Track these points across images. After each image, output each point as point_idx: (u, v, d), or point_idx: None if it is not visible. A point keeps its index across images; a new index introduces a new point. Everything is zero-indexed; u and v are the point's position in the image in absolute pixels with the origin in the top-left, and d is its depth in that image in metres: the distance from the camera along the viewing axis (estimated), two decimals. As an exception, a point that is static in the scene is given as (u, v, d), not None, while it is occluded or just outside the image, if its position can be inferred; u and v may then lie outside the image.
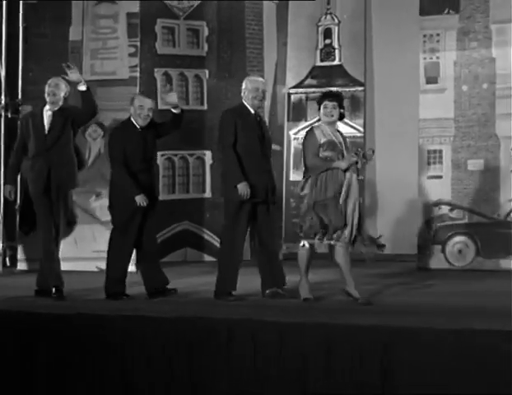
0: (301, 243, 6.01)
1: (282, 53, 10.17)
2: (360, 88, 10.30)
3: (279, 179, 9.70)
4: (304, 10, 10.54)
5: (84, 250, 8.38)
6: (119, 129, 6.59)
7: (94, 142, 8.53)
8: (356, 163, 5.93)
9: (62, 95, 6.53)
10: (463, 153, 8.51)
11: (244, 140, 6.31)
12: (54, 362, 4.98)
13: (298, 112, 10.54)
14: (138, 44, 8.62)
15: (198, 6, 9.65)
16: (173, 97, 6.59)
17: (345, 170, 5.92)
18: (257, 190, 6.25)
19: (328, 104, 6.04)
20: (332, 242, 5.88)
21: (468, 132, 8.43)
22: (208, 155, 9.64)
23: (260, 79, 6.78)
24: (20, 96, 8.66)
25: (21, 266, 8.62)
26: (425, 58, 8.64)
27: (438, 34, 8.64)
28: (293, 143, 10.46)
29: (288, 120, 10.53)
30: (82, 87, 6.46)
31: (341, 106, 6.13)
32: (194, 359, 4.65)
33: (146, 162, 6.48)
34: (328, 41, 10.57)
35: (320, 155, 5.95)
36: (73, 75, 6.46)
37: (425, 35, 8.67)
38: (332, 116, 6.03)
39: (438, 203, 8.54)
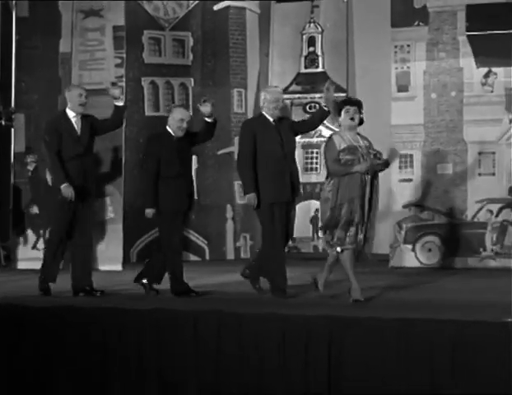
0: (339, 250, 6.15)
1: (264, 61, 10.59)
2: (343, 94, 10.65)
3: None
4: (288, 19, 11.01)
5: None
6: (155, 139, 6.90)
7: None
8: (378, 164, 6.21)
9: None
10: (433, 157, 8.95)
11: (266, 147, 6.56)
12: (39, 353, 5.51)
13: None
14: (124, 55, 9.01)
15: (183, 17, 10.07)
16: (207, 107, 6.79)
17: (366, 173, 6.16)
18: (283, 191, 6.55)
19: (350, 108, 6.26)
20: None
21: (437, 138, 8.86)
22: (194, 160, 10.04)
23: (278, 89, 7.01)
24: (13, 105, 9.08)
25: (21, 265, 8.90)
26: (396, 68, 9.08)
27: (409, 45, 9.07)
28: None
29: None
30: (120, 103, 6.85)
31: (360, 111, 6.34)
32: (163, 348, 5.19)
33: (183, 169, 6.76)
34: (311, 49, 11.05)
35: (341, 159, 6.17)
36: (116, 91, 6.84)
37: (396, 46, 9.09)
38: (353, 120, 6.24)
39: (408, 205, 9.01)
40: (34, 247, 8.92)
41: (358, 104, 6.33)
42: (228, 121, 10.26)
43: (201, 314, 5.26)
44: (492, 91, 8.74)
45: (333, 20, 10.88)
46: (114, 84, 6.97)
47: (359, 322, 4.94)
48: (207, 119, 6.84)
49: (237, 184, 10.22)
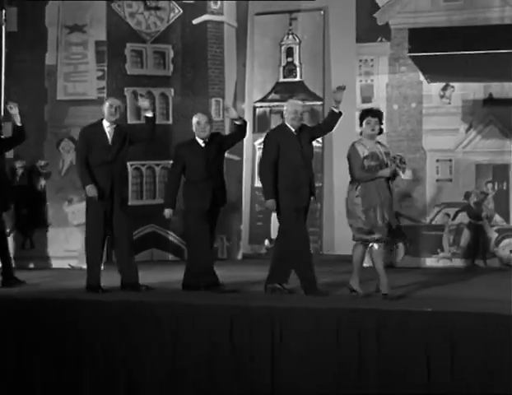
0: (376, 247, 6.72)
1: (241, 72, 11.14)
2: (319, 102, 11.47)
3: (238, 186, 10.90)
4: (268, 31, 11.73)
5: (58, 250, 9.49)
6: (182, 145, 7.52)
7: (67, 155, 9.61)
8: (398, 168, 6.83)
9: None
10: (394, 164, 9.64)
11: (288, 156, 7.06)
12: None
13: (262, 124, 11.68)
14: (105, 68, 9.67)
15: (164, 31, 10.64)
16: (232, 112, 7.48)
17: (388, 178, 6.75)
18: (303, 197, 7.09)
19: (372, 119, 6.86)
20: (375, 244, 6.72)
21: (399, 146, 9.50)
22: None
23: (299, 102, 7.52)
24: (2, 114, 9.68)
25: (40, 264, 9.42)
26: (361, 81, 9.75)
27: (372, 60, 9.73)
28: (258, 153, 11.56)
29: (253, 131, 11.63)
30: (149, 114, 7.45)
31: (381, 122, 6.97)
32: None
33: (209, 172, 7.28)
34: (290, 59, 11.73)
35: (366, 165, 6.75)
36: (145, 103, 7.51)
37: (361, 60, 9.77)
38: (374, 130, 6.86)
39: None
40: (22, 247, 9.60)
41: (379, 116, 6.95)
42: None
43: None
44: (450, 103, 9.41)
45: (310, 32, 11.57)
46: (142, 96, 7.60)
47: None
48: (235, 122, 7.43)
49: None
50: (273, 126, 11.58)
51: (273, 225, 11.76)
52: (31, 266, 9.38)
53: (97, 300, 6.45)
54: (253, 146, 11.77)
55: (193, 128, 7.37)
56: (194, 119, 7.41)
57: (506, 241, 9.28)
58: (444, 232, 9.41)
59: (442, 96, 9.46)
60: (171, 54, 10.70)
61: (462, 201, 9.43)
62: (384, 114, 9.50)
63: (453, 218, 9.40)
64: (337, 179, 10.83)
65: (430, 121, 9.52)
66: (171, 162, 7.77)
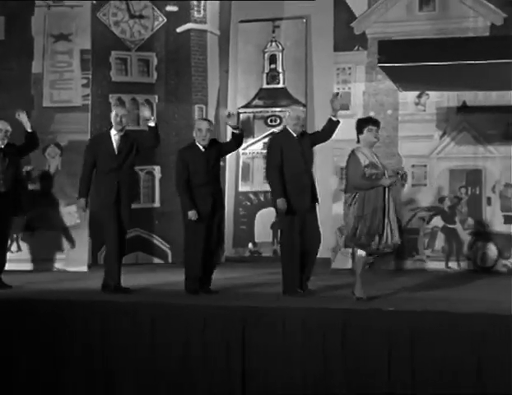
0: (358, 252, 6.82)
1: (224, 79, 11.49)
2: (303, 108, 11.59)
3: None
4: (252, 38, 12.01)
5: (44, 253, 9.76)
6: (183, 151, 7.66)
7: (52, 160, 9.93)
8: (399, 182, 7.09)
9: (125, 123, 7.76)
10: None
11: (290, 160, 7.24)
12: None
13: (246, 129, 11.66)
14: (90, 76, 9.98)
15: (148, 39, 10.97)
16: (233, 120, 7.56)
17: (388, 187, 6.73)
18: (304, 201, 7.25)
19: (373, 128, 6.87)
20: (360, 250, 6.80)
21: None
22: (157, 170, 10.97)
23: (300, 108, 7.86)
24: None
25: (26, 266, 9.69)
26: (338, 88, 10.04)
27: (349, 68, 10.08)
28: (242, 158, 11.99)
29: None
30: (152, 123, 7.70)
31: (378, 131, 6.98)
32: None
33: (209, 177, 7.45)
34: (273, 66, 12.02)
35: (367, 173, 6.73)
36: (146, 112, 7.80)
37: (338, 69, 10.11)
38: (376, 138, 6.94)
39: None
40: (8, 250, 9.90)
41: (378, 125, 7.01)
42: (190, 134, 10.65)
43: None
44: (425, 110, 9.77)
45: (293, 39, 11.85)
46: (143, 105, 7.84)
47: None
48: (234, 131, 7.58)
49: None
50: (257, 131, 12.17)
51: (257, 229, 12.18)
52: (18, 268, 9.63)
53: (78, 301, 6.75)
54: (237, 151, 12.02)
55: (194, 134, 7.56)
56: (196, 125, 7.64)
57: (478, 244, 9.62)
58: (419, 235, 9.74)
59: (417, 104, 9.81)
60: (155, 62, 11.00)
61: (436, 205, 9.75)
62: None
63: (428, 222, 9.71)
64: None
65: (406, 127, 9.86)
66: (175, 167, 7.94)
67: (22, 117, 8.07)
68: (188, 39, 11.17)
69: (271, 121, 11.95)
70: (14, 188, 8.10)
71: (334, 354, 5.76)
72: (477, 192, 9.66)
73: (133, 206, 10.54)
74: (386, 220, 6.73)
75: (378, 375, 5.70)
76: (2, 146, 8.07)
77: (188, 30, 11.16)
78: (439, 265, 9.69)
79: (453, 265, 9.68)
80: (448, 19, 9.68)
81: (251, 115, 12.13)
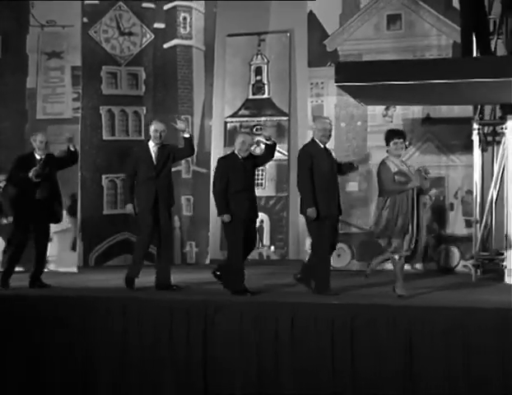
0: (396, 257, 7.64)
1: (209, 92, 12.27)
2: (285, 118, 12.54)
3: (206, 197, 11.87)
4: (238, 51, 12.82)
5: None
6: (223, 160, 8.29)
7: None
8: (425, 179, 7.67)
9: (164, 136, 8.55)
10: (342, 177, 10.61)
11: (319, 170, 7.82)
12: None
13: (233, 138, 12.24)
14: (80, 90, 10.89)
15: (137, 54, 11.81)
16: (182, 124, 8.46)
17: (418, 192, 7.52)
18: (332, 207, 7.93)
19: (398, 141, 7.70)
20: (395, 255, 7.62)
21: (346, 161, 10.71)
22: None
23: (327, 120, 8.28)
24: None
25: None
26: (312, 101, 10.94)
27: (322, 83, 10.90)
28: None
29: (224, 146, 12.67)
30: (186, 135, 8.54)
31: (405, 141, 7.81)
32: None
33: (247, 184, 8.11)
34: (258, 78, 12.80)
35: (396, 180, 7.50)
36: (182, 124, 8.65)
37: (312, 83, 10.96)
38: (401, 149, 7.75)
39: None
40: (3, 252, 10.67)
41: (404, 137, 7.86)
42: (176, 143, 11.49)
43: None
44: (392, 121, 10.58)
45: (277, 52, 12.65)
46: (179, 118, 8.67)
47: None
48: (267, 142, 8.35)
49: (184, 198, 11.96)
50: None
51: None
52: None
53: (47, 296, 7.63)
54: None
55: (236, 146, 8.23)
56: (239, 139, 8.31)
57: (442, 247, 10.46)
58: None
59: (385, 115, 10.66)
60: (143, 76, 11.86)
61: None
62: (333, 132, 10.92)
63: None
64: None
65: (374, 138, 10.58)
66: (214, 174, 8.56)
67: (180, 124, 8.78)
68: (175, 54, 12.00)
69: (256, 130, 12.64)
70: (51, 197, 8.86)
71: (283, 345, 6.66)
72: (441, 199, 10.48)
73: (123, 211, 11.57)
74: (411, 225, 7.53)
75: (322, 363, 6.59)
76: (43, 157, 8.84)
77: (175, 46, 11.99)
78: (406, 266, 10.47)
79: (418, 266, 10.49)
80: (413, 37, 10.54)
81: (238, 124, 12.88)
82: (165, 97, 11.96)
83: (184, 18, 12.07)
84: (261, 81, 12.78)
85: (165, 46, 12.01)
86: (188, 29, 12.09)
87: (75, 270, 10.60)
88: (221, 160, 8.37)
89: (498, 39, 9.45)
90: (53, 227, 10.04)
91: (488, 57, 8.56)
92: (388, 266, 10.20)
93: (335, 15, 10.90)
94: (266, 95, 12.73)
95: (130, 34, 11.82)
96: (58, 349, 7.24)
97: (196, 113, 12.12)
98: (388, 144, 7.78)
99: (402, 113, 10.61)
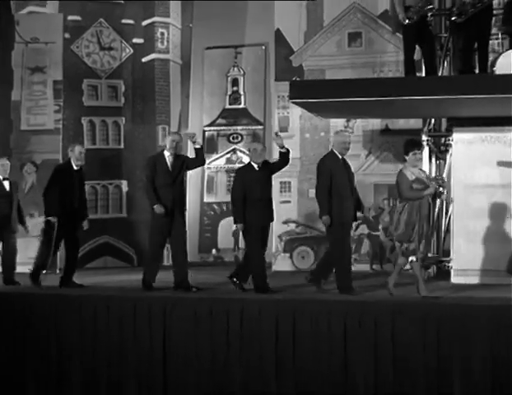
0: (412, 259, 8.17)
1: (185, 103, 13.08)
2: (260, 127, 13.39)
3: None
4: (216, 63, 13.67)
5: (19, 257, 11.06)
6: (240, 171, 8.95)
7: (29, 176, 11.66)
8: (440, 186, 8.33)
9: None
10: (306, 184, 11.58)
11: (337, 179, 8.41)
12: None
13: (211, 146, 13.55)
14: (61, 103, 11.76)
15: (117, 68, 12.65)
16: (279, 140, 8.93)
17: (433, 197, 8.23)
18: (347, 216, 8.52)
19: (417, 152, 8.31)
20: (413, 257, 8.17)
21: (310, 168, 11.26)
22: (125, 184, 12.63)
23: (347, 133, 8.96)
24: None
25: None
26: (279, 113, 11.82)
27: (288, 96, 11.70)
28: (206, 172, 13.55)
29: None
30: (197, 146, 9.23)
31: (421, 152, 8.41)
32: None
33: (264, 193, 8.70)
34: (235, 88, 13.62)
35: (414, 187, 8.11)
36: (194, 138, 9.30)
37: (279, 96, 11.80)
38: (419, 160, 8.42)
39: (287, 221, 11.72)
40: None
41: (422, 148, 8.56)
42: (154, 152, 12.16)
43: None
44: (353, 132, 11.37)
45: (253, 64, 13.50)
46: (189, 134, 9.45)
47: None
48: (281, 150, 8.91)
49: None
50: (220, 148, 13.65)
51: (220, 236, 13.70)
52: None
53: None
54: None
55: (250, 154, 8.94)
56: (252, 147, 9.02)
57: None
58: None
59: (346, 127, 11.52)
60: (123, 88, 12.68)
61: (362, 215, 11.40)
62: (298, 142, 11.84)
63: (355, 229, 11.20)
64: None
65: None
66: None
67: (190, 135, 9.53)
68: (153, 67, 12.82)
69: (233, 138, 13.57)
70: (82, 204, 9.54)
71: (233, 339, 7.62)
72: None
73: (103, 216, 12.61)
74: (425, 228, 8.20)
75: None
76: (77, 168, 9.45)
77: (153, 60, 12.82)
78: (365, 267, 11.38)
79: (376, 267, 11.41)
80: (373, 53, 11.45)
81: (215, 133, 13.69)
82: (143, 108, 12.74)
83: (162, 33, 12.91)
84: (237, 91, 13.58)
85: (144, 60, 12.83)
86: (165, 44, 12.92)
87: (57, 271, 11.41)
88: (238, 171, 9.07)
89: (446, 57, 10.33)
90: (33, 231, 10.91)
91: (431, 77, 9.45)
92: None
93: (300, 32, 11.79)
94: (242, 105, 13.53)
95: (110, 48, 12.65)
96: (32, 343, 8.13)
97: (173, 123, 12.91)
98: (406, 154, 8.37)
99: (363, 125, 11.47)
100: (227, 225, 13.42)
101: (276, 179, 11.24)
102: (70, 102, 12.26)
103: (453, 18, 9.41)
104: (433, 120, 10.47)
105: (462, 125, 9.87)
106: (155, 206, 8.99)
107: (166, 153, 9.21)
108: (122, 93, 12.74)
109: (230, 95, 13.61)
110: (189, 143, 12.57)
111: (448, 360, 7.27)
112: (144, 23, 12.89)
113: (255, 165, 8.79)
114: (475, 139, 9.70)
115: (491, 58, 9.66)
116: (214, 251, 13.58)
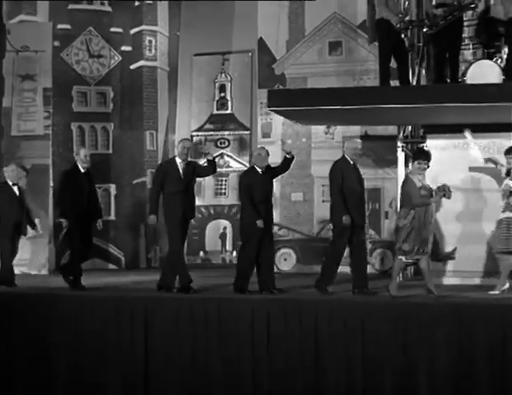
0: (399, 258, 8.55)
1: (172, 109, 13.53)
2: (247, 132, 13.82)
3: None
4: (204, 70, 14.13)
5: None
6: (246, 174, 9.20)
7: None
8: (444, 196, 8.49)
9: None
10: (288, 188, 12.10)
11: (349, 184, 8.78)
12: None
13: (199, 151, 13.62)
14: (51, 109, 12.22)
15: (106, 75, 13.13)
16: (287, 146, 9.49)
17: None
18: (359, 218, 8.84)
19: (423, 162, 8.55)
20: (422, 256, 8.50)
21: (292, 173, 11.71)
22: (113, 188, 13.05)
23: (358, 141, 9.38)
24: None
25: None
26: (261, 119, 12.31)
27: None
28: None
29: (191, 157, 13.87)
30: (211, 157, 9.53)
31: (428, 163, 8.61)
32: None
33: (265, 195, 8.97)
34: (222, 94, 14.06)
35: (421, 194, 8.41)
36: (207, 150, 9.89)
37: (261, 103, 12.24)
38: (424, 170, 8.61)
39: None
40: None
41: (429, 159, 8.71)
42: (142, 156, 13.22)
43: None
44: (333, 138, 11.97)
45: (240, 71, 13.94)
46: (204, 147, 10.01)
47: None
48: (286, 155, 9.29)
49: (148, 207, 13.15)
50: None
51: (207, 239, 14.11)
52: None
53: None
54: None
55: (254, 159, 9.26)
56: (256, 152, 9.32)
57: (378, 251, 11.82)
58: (328, 243, 11.78)
59: (326, 133, 12.03)
60: (111, 94, 13.15)
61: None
62: (279, 148, 12.14)
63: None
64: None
65: (317, 153, 12.05)
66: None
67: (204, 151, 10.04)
68: (141, 74, 13.30)
69: (220, 143, 13.99)
70: (94, 204, 9.76)
71: (211, 336, 8.10)
72: (377, 207, 11.84)
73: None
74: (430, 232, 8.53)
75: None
76: (84, 171, 9.62)
77: (141, 67, 13.29)
78: (344, 269, 11.70)
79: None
80: (353, 62, 11.96)
81: (203, 138, 14.10)
82: (131, 114, 13.21)
83: (150, 41, 13.39)
84: (225, 97, 14.02)
85: (132, 67, 13.32)
86: (153, 51, 13.39)
87: (46, 272, 11.89)
88: (242, 175, 9.45)
89: (420, 68, 10.77)
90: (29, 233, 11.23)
91: (406, 86, 9.91)
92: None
93: (282, 41, 12.30)
94: (229, 111, 13.99)
95: (99, 56, 13.13)
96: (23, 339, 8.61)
97: (160, 128, 13.39)
98: (413, 161, 8.77)
99: (343, 131, 11.95)
100: (214, 228, 13.95)
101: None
102: (60, 108, 12.72)
103: (425, 30, 9.86)
104: (409, 127, 10.86)
105: (435, 132, 10.28)
106: (150, 217, 9.26)
107: (178, 160, 9.33)
108: (110, 99, 13.19)
109: (217, 101, 14.02)
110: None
111: (415, 361, 7.68)
112: (132, 31, 13.36)
113: (259, 170, 9.09)
114: (447, 145, 10.15)
115: (463, 67, 10.09)
116: (202, 253, 13.97)
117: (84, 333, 8.47)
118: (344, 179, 8.81)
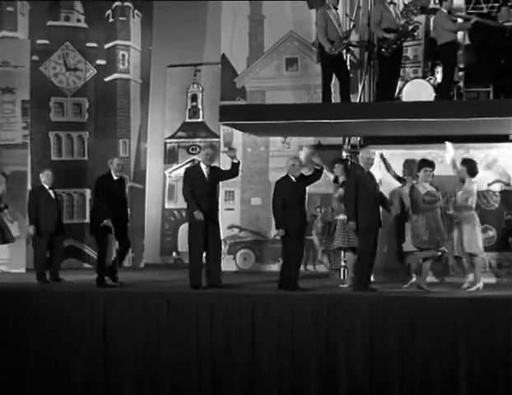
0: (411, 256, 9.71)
1: (144, 119, 14.46)
2: (217, 139, 14.41)
3: (141, 209, 14.07)
4: (177, 80, 15.04)
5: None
6: (280, 182, 9.89)
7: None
8: (447, 201, 10.00)
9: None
10: (248, 193, 13.14)
11: (363, 189, 9.47)
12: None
13: (172, 157, 14.91)
14: (29, 120, 13.29)
15: (81, 87, 14.15)
16: (232, 153, 10.01)
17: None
18: (375, 222, 9.52)
19: (428, 169, 9.62)
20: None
21: (251, 179, 12.95)
22: (88, 192, 13.94)
23: (372, 151, 9.99)
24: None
25: None
26: (224, 130, 13.32)
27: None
28: (168, 180, 14.86)
29: (164, 163, 14.89)
30: (235, 160, 10.14)
31: (433, 170, 9.65)
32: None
33: (299, 201, 9.69)
34: (194, 103, 14.96)
35: (426, 199, 9.42)
36: (232, 153, 10.09)
37: None
38: (430, 177, 9.64)
39: (231, 226, 13.23)
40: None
41: (433, 167, 9.76)
42: None
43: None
44: (289, 147, 13.03)
45: (210, 81, 14.77)
46: (230, 148, 10.54)
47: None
48: (316, 167, 10.00)
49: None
50: (180, 158, 14.92)
51: (180, 240, 15.02)
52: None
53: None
54: (164, 174, 14.99)
55: (288, 168, 9.91)
56: (290, 162, 9.94)
57: (330, 251, 12.85)
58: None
59: (283, 142, 13.10)
60: (87, 105, 14.14)
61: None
62: (240, 156, 13.10)
63: None
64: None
65: (275, 160, 13.04)
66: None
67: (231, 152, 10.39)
68: (115, 86, 14.26)
69: (192, 150, 14.87)
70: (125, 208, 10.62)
71: (204, 333, 9.25)
72: (329, 211, 12.84)
73: (69, 221, 13.79)
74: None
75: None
76: (117, 178, 10.50)
77: (115, 79, 14.27)
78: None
79: (310, 267, 12.98)
80: (308, 77, 13.04)
81: (176, 145, 15.04)
82: (105, 123, 14.18)
83: (123, 55, 14.37)
84: (196, 106, 14.93)
85: (106, 80, 14.29)
86: (126, 64, 14.36)
87: (23, 271, 12.96)
88: (277, 183, 10.07)
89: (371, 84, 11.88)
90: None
91: (347, 103, 11.07)
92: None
93: (243, 57, 13.41)
94: (200, 119, 14.90)
95: (75, 69, 14.14)
96: None
97: (133, 137, 14.36)
98: (419, 170, 9.71)
99: (298, 141, 13.01)
100: (186, 230, 14.45)
101: (221, 189, 12.89)
102: (38, 118, 13.77)
103: (383, 50, 10.91)
104: (354, 138, 11.98)
105: (376, 143, 11.40)
106: (195, 212, 9.83)
107: (202, 165, 10.08)
108: (86, 109, 14.17)
109: (189, 110, 14.91)
110: (148, 154, 14.49)
111: (334, 356, 8.87)
112: (106, 46, 14.36)
113: (293, 178, 9.85)
114: (386, 155, 11.25)
115: (400, 85, 11.24)
116: (174, 254, 14.84)
117: (53, 323, 9.62)
118: (360, 186, 9.54)
